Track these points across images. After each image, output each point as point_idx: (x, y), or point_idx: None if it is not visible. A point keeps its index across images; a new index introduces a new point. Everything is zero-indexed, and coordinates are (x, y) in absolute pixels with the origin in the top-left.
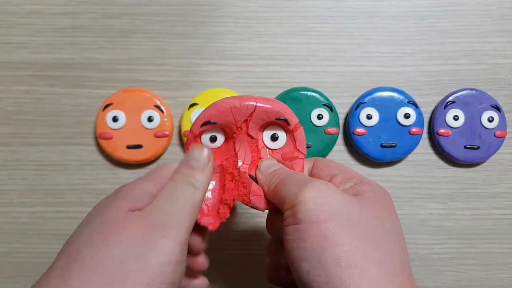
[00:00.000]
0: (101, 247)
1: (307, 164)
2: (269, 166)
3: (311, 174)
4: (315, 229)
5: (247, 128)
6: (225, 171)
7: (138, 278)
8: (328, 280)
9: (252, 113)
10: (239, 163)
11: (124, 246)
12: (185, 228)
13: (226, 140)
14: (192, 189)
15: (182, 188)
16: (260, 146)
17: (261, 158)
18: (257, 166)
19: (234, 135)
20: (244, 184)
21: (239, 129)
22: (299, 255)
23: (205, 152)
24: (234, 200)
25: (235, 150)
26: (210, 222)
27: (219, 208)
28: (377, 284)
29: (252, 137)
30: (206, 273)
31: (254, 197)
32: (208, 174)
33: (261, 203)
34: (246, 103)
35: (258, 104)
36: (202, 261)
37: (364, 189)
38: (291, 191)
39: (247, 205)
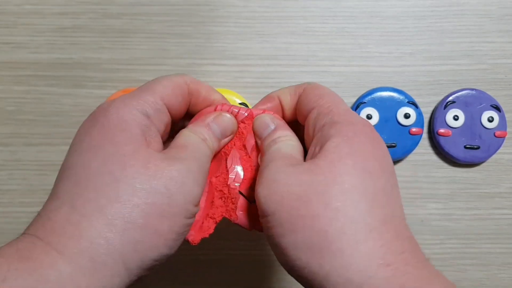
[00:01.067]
0: (120, 177)
1: (297, 90)
2: (262, 129)
3: (297, 105)
4: (271, 221)
5: (241, 141)
6: (214, 189)
7: (161, 213)
8: (292, 264)
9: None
10: (230, 180)
11: (150, 180)
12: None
13: (216, 156)
14: (210, 159)
15: (206, 156)
16: (254, 165)
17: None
18: (249, 181)
19: (226, 151)
20: (233, 200)
21: (232, 144)
22: (269, 244)
23: (232, 122)
24: (222, 216)
25: (226, 168)
26: (191, 234)
27: (202, 223)
28: (341, 259)
29: (246, 153)
30: (205, 273)
31: (240, 212)
32: (221, 145)
33: (246, 222)
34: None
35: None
36: None
37: (330, 134)
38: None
39: (234, 221)
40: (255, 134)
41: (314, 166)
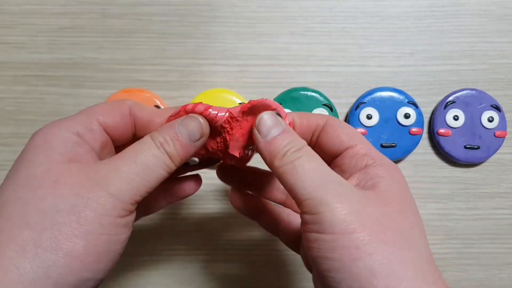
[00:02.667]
0: (29, 201)
1: (319, 121)
2: (271, 126)
3: (320, 139)
4: (346, 240)
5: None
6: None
7: (72, 232)
8: None
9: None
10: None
11: (56, 199)
12: (138, 193)
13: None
14: (168, 164)
15: (156, 159)
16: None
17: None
18: (252, 125)
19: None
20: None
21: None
22: (327, 266)
23: (202, 125)
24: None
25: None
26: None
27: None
28: (414, 286)
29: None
30: (205, 273)
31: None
32: (192, 152)
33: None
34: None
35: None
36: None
37: (379, 175)
38: (308, 190)
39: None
40: (259, 131)
41: (383, 198)
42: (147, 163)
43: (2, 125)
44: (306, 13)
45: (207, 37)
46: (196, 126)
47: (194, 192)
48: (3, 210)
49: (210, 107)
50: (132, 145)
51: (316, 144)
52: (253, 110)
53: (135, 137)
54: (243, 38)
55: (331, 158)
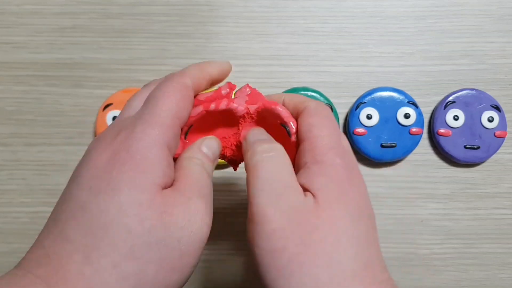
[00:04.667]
0: (136, 231)
1: (301, 107)
2: (255, 134)
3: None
4: (269, 257)
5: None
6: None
7: (173, 266)
8: None
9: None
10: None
11: (165, 232)
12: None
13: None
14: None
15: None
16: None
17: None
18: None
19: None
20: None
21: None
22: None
23: (218, 143)
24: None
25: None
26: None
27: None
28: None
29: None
30: (205, 273)
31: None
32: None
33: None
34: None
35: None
36: None
37: (313, 175)
38: (257, 193)
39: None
40: (246, 139)
41: (313, 214)
42: (206, 193)
43: (2, 125)
44: (306, 13)
45: (207, 37)
46: (215, 145)
47: None
48: (107, 233)
49: (232, 101)
50: (187, 174)
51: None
52: (263, 114)
53: None
54: (243, 38)
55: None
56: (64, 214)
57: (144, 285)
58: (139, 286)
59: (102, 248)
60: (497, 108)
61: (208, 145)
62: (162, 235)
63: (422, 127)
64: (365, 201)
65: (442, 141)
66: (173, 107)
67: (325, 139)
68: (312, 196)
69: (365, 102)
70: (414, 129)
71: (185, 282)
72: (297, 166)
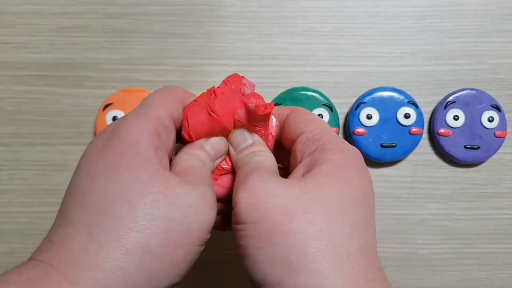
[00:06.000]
0: (139, 205)
1: (284, 113)
2: (240, 140)
3: (282, 129)
4: (250, 230)
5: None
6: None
7: (179, 241)
8: (265, 278)
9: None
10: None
11: (168, 208)
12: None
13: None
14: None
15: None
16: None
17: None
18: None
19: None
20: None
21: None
22: (239, 252)
23: (224, 143)
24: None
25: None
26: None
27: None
28: (317, 280)
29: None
30: (205, 273)
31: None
32: (214, 166)
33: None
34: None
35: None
36: None
37: (322, 159)
38: (242, 187)
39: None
40: (231, 144)
41: (303, 184)
42: (210, 183)
43: (2, 125)
44: (306, 13)
45: (207, 37)
46: (221, 144)
47: None
48: (109, 210)
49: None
50: (189, 167)
51: (281, 135)
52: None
53: None
54: (243, 38)
55: (291, 146)
56: (66, 203)
57: (150, 259)
58: (145, 260)
59: (105, 223)
60: (497, 108)
61: (212, 144)
62: (166, 210)
63: (422, 127)
64: (370, 189)
65: (442, 141)
66: (161, 101)
67: (330, 131)
68: (311, 178)
69: (365, 102)
70: (414, 129)
71: (192, 262)
72: (296, 157)
